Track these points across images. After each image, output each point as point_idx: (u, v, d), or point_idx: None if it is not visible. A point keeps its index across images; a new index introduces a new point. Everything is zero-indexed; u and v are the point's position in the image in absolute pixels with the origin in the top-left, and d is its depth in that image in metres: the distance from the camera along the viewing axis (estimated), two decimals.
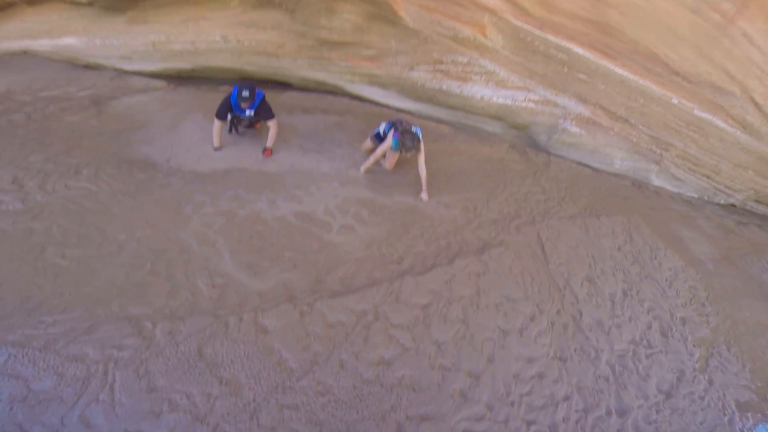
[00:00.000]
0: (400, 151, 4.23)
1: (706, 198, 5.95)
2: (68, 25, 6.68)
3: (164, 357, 2.44)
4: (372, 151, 4.61)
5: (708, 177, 5.71)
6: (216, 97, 5.56)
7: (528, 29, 5.07)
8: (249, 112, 4.32)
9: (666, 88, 5.19)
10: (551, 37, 5.10)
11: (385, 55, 5.69)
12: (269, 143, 4.44)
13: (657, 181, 5.78)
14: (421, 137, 4.17)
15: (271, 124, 4.40)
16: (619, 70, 5.15)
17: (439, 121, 6.02)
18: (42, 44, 6.88)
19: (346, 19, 5.20)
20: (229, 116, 4.41)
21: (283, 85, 6.35)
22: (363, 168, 4.44)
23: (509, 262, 3.48)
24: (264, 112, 4.35)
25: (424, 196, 4.20)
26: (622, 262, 3.82)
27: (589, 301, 3.34)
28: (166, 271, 2.95)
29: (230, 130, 4.65)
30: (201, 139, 4.45)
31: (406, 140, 4.06)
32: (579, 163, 5.67)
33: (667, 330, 3.25)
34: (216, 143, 4.38)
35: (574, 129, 5.62)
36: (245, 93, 4.09)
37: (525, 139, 5.94)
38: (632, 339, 3.12)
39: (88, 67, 6.70)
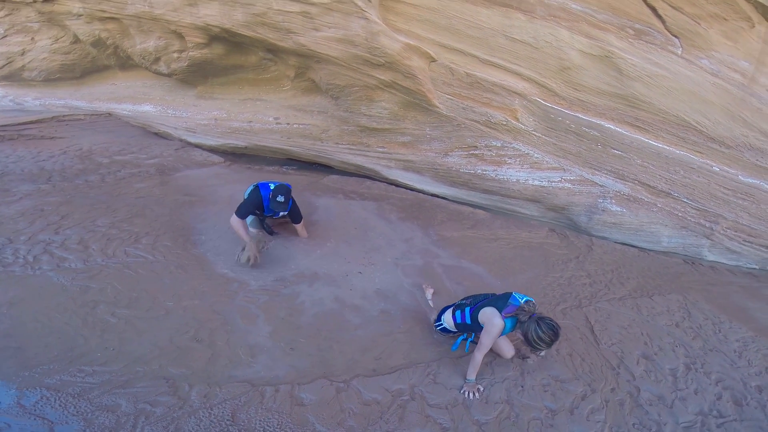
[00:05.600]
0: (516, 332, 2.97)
1: None
2: (149, 93, 7.48)
3: (196, 418, 2.41)
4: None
5: (767, 247, 5.25)
6: (266, 177, 6.00)
7: (558, 109, 5.17)
8: (282, 214, 4.20)
9: (705, 156, 5.05)
10: (581, 115, 5.14)
11: (420, 142, 5.84)
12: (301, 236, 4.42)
13: (711, 257, 5.34)
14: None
15: (299, 227, 4.38)
16: (653, 143, 5.07)
17: (474, 206, 6.00)
18: (124, 108, 7.70)
19: (384, 107, 5.43)
20: (250, 218, 4.16)
21: (325, 167, 6.79)
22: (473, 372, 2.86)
23: (555, 345, 3.28)
24: (293, 215, 4.26)
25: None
26: (681, 338, 3.62)
27: (647, 378, 3.13)
28: (208, 339, 3.00)
29: (262, 227, 4.42)
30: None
31: (542, 334, 2.60)
32: (624, 244, 5.44)
33: (741, 399, 3.04)
34: (245, 237, 3.91)
35: (615, 208, 5.38)
36: (280, 198, 3.89)
37: (564, 222, 5.77)
38: (700, 411, 2.90)
39: (158, 135, 7.38)
